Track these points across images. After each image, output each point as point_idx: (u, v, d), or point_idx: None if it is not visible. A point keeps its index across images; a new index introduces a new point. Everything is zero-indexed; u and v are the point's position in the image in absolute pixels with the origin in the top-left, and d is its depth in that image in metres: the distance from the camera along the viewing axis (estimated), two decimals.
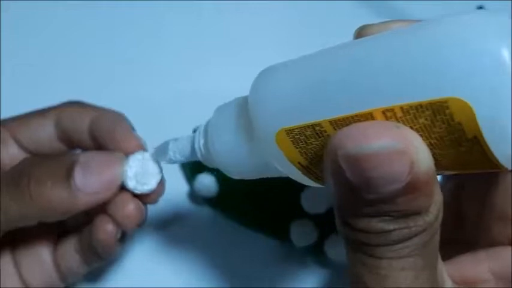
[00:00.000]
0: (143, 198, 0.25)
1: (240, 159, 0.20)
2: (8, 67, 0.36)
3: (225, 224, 0.32)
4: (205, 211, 0.32)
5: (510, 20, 0.14)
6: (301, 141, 0.17)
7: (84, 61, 0.37)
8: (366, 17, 0.40)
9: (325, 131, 0.16)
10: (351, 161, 0.14)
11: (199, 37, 0.38)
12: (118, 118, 0.25)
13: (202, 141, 0.22)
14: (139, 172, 0.24)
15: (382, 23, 0.18)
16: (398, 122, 0.14)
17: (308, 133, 0.16)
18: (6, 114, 0.27)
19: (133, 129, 0.26)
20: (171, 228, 0.32)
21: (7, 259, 0.25)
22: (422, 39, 0.14)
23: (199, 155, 0.22)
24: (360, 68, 0.15)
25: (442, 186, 0.23)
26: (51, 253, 0.26)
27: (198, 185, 0.31)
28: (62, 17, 0.39)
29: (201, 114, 0.23)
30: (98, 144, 0.25)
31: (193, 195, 0.32)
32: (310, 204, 0.30)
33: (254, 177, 0.21)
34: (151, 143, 0.25)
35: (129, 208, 0.24)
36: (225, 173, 0.21)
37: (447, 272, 0.18)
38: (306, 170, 0.18)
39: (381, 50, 0.15)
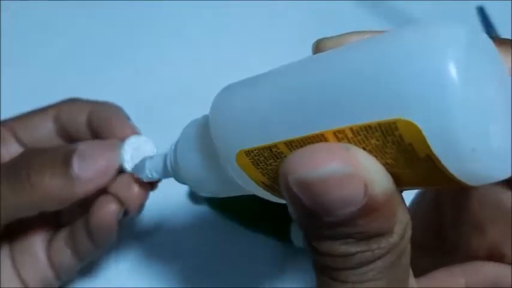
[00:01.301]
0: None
1: (207, 179, 0.20)
2: (8, 67, 0.36)
3: (225, 224, 0.32)
4: (205, 211, 0.32)
5: (462, 31, 0.13)
6: (261, 162, 0.16)
7: (84, 61, 0.37)
8: (365, 17, 0.40)
9: (282, 153, 0.15)
10: (302, 186, 0.14)
11: (198, 37, 0.39)
12: (114, 109, 0.26)
13: (172, 160, 0.22)
14: (135, 155, 0.24)
15: (338, 36, 0.17)
16: (350, 143, 0.14)
17: (266, 154, 0.16)
18: (7, 114, 0.27)
19: (128, 119, 0.26)
20: (171, 228, 0.32)
21: (6, 259, 0.25)
22: (368, 58, 0.14)
23: (171, 173, 0.22)
24: (311, 88, 0.15)
25: (422, 196, 0.23)
26: (45, 251, 0.26)
27: None
28: (62, 17, 0.39)
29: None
30: (96, 135, 0.26)
31: (193, 195, 0.32)
32: None
33: (224, 195, 0.21)
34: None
35: (134, 187, 0.24)
36: (195, 191, 0.21)
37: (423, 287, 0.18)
38: (270, 188, 0.18)
39: (329, 69, 0.15)
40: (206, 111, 0.22)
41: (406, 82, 0.13)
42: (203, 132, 0.20)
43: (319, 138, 0.14)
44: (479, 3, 0.40)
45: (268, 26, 0.39)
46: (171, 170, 0.22)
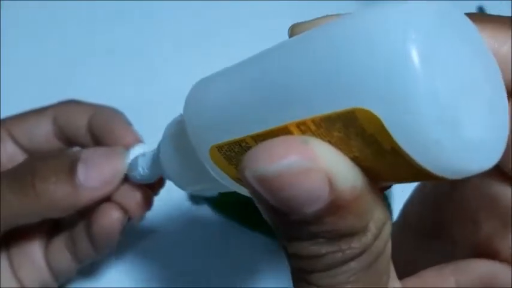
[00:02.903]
0: None
1: (189, 177, 0.20)
2: (7, 67, 0.36)
3: (225, 224, 0.32)
4: (205, 211, 0.32)
5: (426, 10, 0.12)
6: (233, 158, 0.16)
7: (84, 61, 0.37)
8: None
9: (251, 147, 0.15)
10: (260, 181, 0.13)
11: (196, 36, 0.39)
12: (115, 114, 0.26)
13: (156, 158, 0.22)
14: None
15: (312, 20, 0.16)
16: (314, 135, 0.13)
17: (236, 150, 0.15)
18: (7, 114, 0.27)
19: (130, 124, 0.26)
20: (171, 228, 0.32)
21: (4, 259, 0.25)
22: (324, 43, 0.13)
23: (159, 171, 0.22)
24: (272, 78, 0.14)
25: (421, 187, 0.22)
26: (43, 252, 0.26)
27: None
28: (62, 17, 0.39)
29: None
30: (96, 140, 0.26)
31: (194, 196, 0.32)
32: None
33: (208, 192, 0.21)
34: (149, 141, 0.25)
35: (138, 195, 0.24)
36: (180, 188, 0.21)
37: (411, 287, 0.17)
38: None
39: (288, 57, 0.14)
40: None
41: (362, 68, 0.12)
42: (182, 130, 0.19)
43: (283, 131, 0.14)
44: (479, 3, 0.40)
45: (268, 26, 0.39)
46: (158, 167, 0.22)
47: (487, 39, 0.14)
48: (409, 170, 0.12)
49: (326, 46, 0.13)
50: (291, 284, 0.15)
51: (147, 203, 0.24)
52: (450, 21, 0.13)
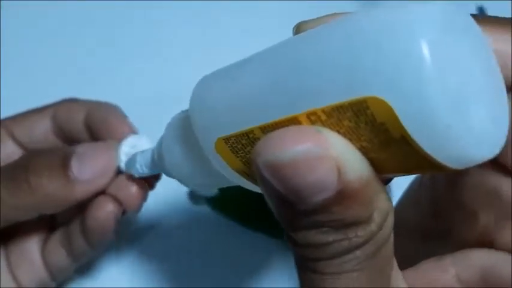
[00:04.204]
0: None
1: (191, 171, 0.20)
2: (8, 67, 0.36)
3: (225, 224, 0.32)
4: (205, 211, 0.32)
5: (436, 9, 0.13)
6: (240, 150, 0.16)
7: (84, 61, 0.37)
8: None
9: (259, 138, 0.15)
10: (271, 168, 0.13)
11: (197, 36, 0.39)
12: (111, 108, 0.26)
13: (157, 153, 0.22)
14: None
15: (317, 18, 0.17)
16: (324, 125, 0.13)
17: (244, 141, 0.16)
18: (7, 114, 0.27)
19: (125, 116, 0.26)
20: (171, 228, 0.32)
21: (1, 259, 0.25)
22: (337, 36, 0.13)
23: (159, 168, 0.22)
24: (283, 70, 0.14)
25: (418, 181, 0.22)
26: (40, 252, 0.26)
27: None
28: (62, 17, 0.39)
29: None
30: (93, 135, 0.26)
31: (193, 195, 0.32)
32: None
33: (210, 188, 0.21)
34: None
35: (133, 187, 0.24)
36: (183, 184, 0.21)
37: (410, 280, 0.17)
38: (251, 178, 0.17)
39: (298, 50, 0.14)
40: None
41: (374, 58, 0.12)
42: (186, 124, 0.19)
43: (293, 121, 0.14)
44: (479, 3, 0.40)
45: (268, 27, 0.39)
46: (158, 163, 0.22)
47: (488, 39, 0.15)
48: (414, 159, 0.13)
49: (339, 38, 0.13)
50: (291, 284, 0.15)
51: (142, 195, 0.24)
52: (456, 19, 0.13)
